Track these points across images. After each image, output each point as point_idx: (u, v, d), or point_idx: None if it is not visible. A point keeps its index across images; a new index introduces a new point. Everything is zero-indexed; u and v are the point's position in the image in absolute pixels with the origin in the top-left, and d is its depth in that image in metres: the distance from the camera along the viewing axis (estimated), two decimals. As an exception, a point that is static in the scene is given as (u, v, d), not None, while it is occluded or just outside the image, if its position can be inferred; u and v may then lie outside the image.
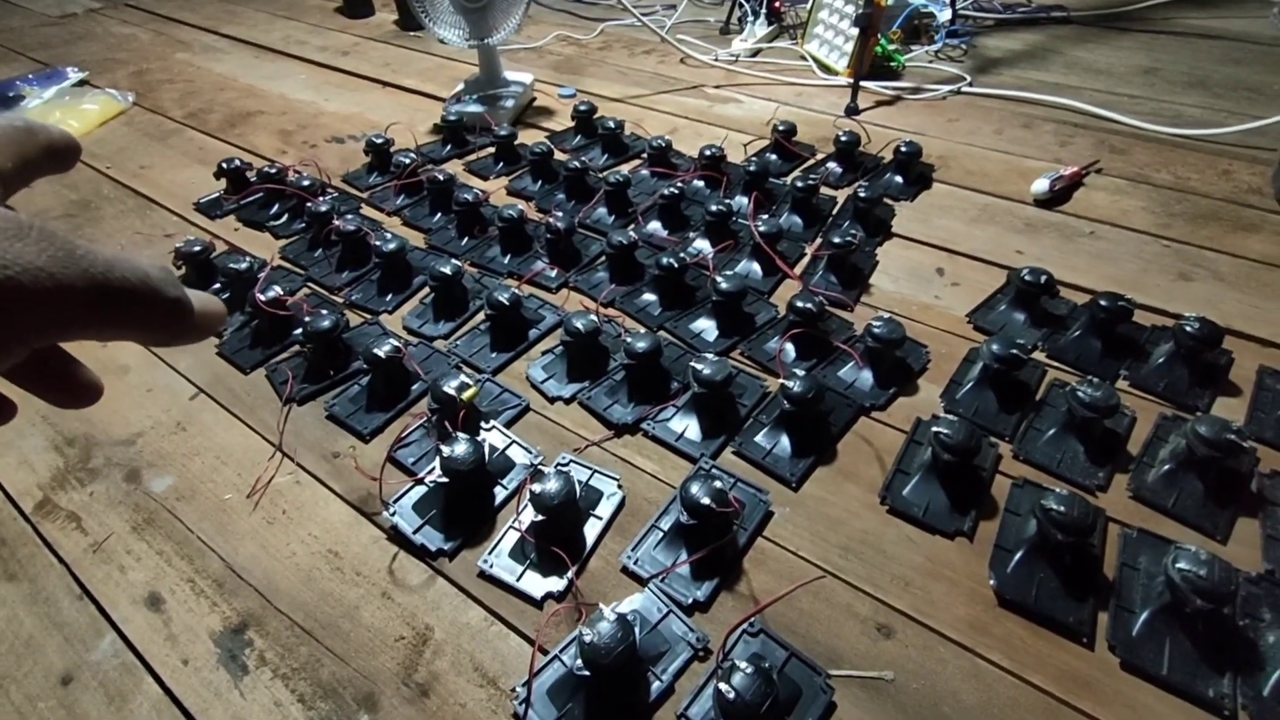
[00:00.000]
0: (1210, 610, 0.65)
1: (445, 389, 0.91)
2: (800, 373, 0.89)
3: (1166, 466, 0.84)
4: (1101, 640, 0.71)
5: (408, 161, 1.48)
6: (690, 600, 0.76)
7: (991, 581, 0.76)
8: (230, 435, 0.99)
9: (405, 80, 2.08)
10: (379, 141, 1.53)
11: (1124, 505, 0.84)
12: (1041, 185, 1.36)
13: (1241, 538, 0.80)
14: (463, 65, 2.13)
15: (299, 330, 1.08)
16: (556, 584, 0.78)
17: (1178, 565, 0.67)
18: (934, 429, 0.82)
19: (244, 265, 1.16)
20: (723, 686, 0.61)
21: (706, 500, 0.75)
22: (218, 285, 1.22)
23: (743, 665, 0.62)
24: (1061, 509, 0.72)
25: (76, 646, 0.75)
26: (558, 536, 0.81)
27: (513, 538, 0.83)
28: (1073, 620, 0.72)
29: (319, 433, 0.98)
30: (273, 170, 1.45)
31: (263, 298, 1.08)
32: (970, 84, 1.85)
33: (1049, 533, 0.73)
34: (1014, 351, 0.92)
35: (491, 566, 0.80)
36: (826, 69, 1.95)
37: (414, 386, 1.02)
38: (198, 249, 1.21)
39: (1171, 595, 0.68)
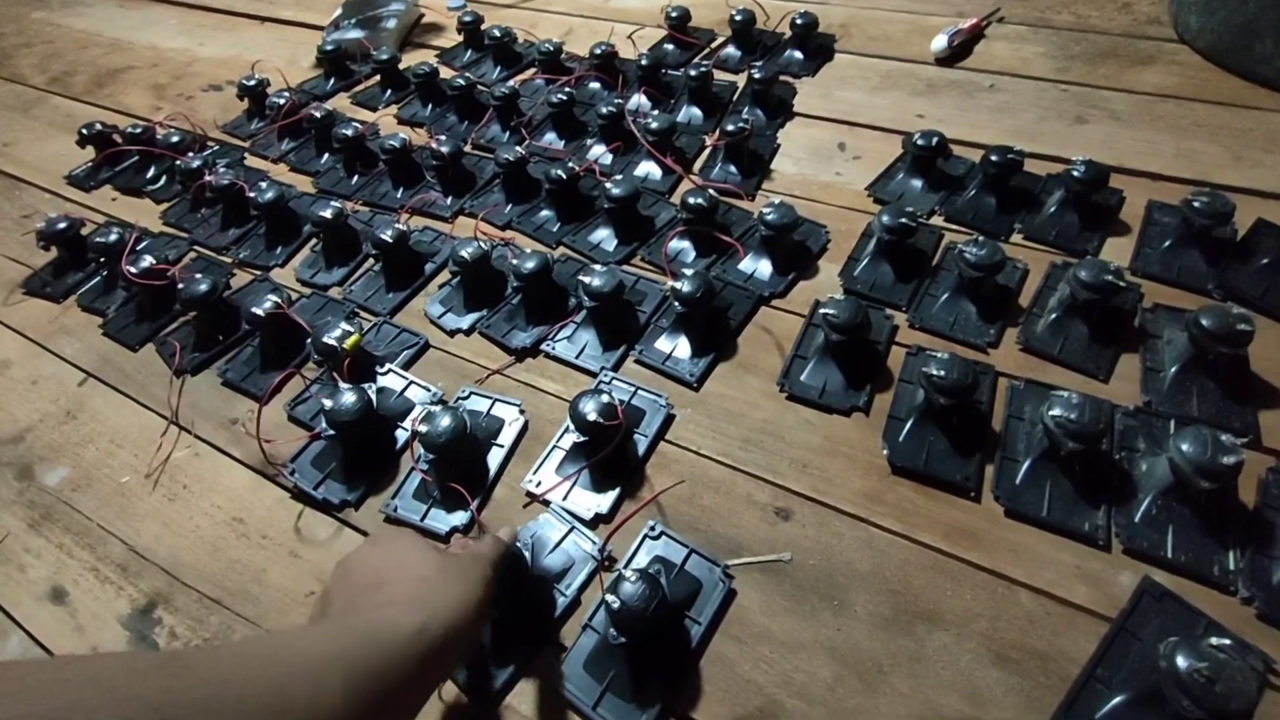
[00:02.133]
0: (1083, 450, 0.72)
1: (326, 340, 0.94)
2: (689, 272, 0.94)
3: (1054, 315, 0.90)
4: (989, 493, 0.78)
5: (283, 102, 1.47)
6: (593, 515, 0.81)
7: (885, 451, 0.81)
8: (124, 417, 1.02)
9: (283, 12, 2.04)
10: (251, 84, 1.52)
11: (1015, 358, 0.90)
12: (940, 42, 1.38)
13: (1123, 374, 0.86)
14: None
15: (179, 297, 1.09)
16: (462, 518, 0.83)
17: (1051, 412, 0.73)
18: (821, 310, 0.87)
19: (114, 237, 1.17)
20: (609, 598, 0.66)
21: (593, 416, 0.80)
22: (94, 263, 1.23)
23: (628, 575, 0.66)
24: (941, 373, 0.77)
25: (-19, 650, 0.79)
26: (457, 471, 0.85)
27: (417, 478, 0.88)
28: (960, 477, 0.78)
29: (216, 401, 1.01)
30: (137, 130, 1.44)
31: (133, 270, 1.09)
32: (872, -60, 1.84)
33: (933, 397, 0.78)
34: (902, 220, 0.96)
35: (396, 510, 0.85)
36: (724, -57, 1.94)
37: (308, 340, 1.03)
38: (63, 226, 1.21)
39: (1048, 441, 0.75)
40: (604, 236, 1.14)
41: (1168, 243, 0.96)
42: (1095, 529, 0.72)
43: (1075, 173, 0.99)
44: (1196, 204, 0.92)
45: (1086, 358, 0.87)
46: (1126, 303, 0.91)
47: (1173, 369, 0.82)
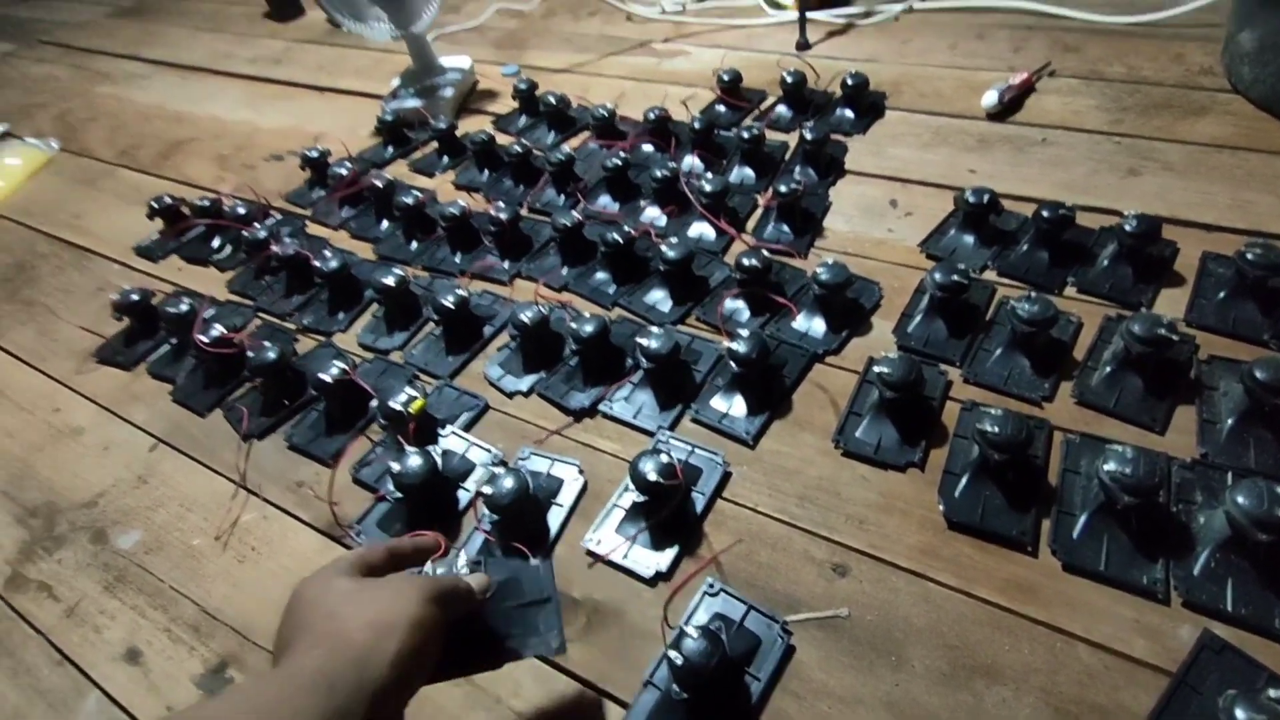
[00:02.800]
0: (1139, 504, 0.74)
1: (392, 405, 0.99)
2: (744, 332, 0.98)
3: (1108, 368, 0.93)
4: (1046, 547, 0.80)
5: (344, 172, 1.55)
6: (654, 573, 0.85)
7: (940, 506, 0.85)
8: (193, 481, 1.08)
9: (342, 82, 2.14)
10: (313, 155, 1.61)
11: (1069, 412, 0.93)
12: (991, 98, 1.43)
13: (1180, 426, 0.89)
14: (401, 56, 2.09)
15: (248, 365, 1.14)
16: (525, 576, 0.88)
17: (1106, 466, 0.76)
18: (875, 368, 0.91)
19: (184, 308, 1.24)
20: (671, 654, 0.69)
21: (653, 476, 0.84)
22: (163, 331, 1.30)
23: (690, 631, 0.70)
24: (995, 429, 0.81)
25: (60, 710, 0.84)
26: (520, 532, 0.90)
27: (480, 538, 0.92)
28: (1016, 532, 0.81)
29: (282, 464, 1.07)
30: (206, 204, 1.53)
31: (204, 339, 1.16)
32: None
33: (987, 453, 0.82)
34: (955, 278, 1.00)
35: (457, 570, 0.90)
36: (775, 4, 2.01)
37: (372, 403, 1.10)
38: (136, 299, 1.29)
39: (1104, 495, 0.77)
40: (659, 298, 1.19)
41: (1222, 294, 0.99)
42: (1154, 582, 0.75)
43: (1127, 226, 1.03)
44: (1250, 255, 0.95)
45: (1142, 410, 0.90)
46: (1181, 355, 0.93)
47: (1229, 421, 0.85)
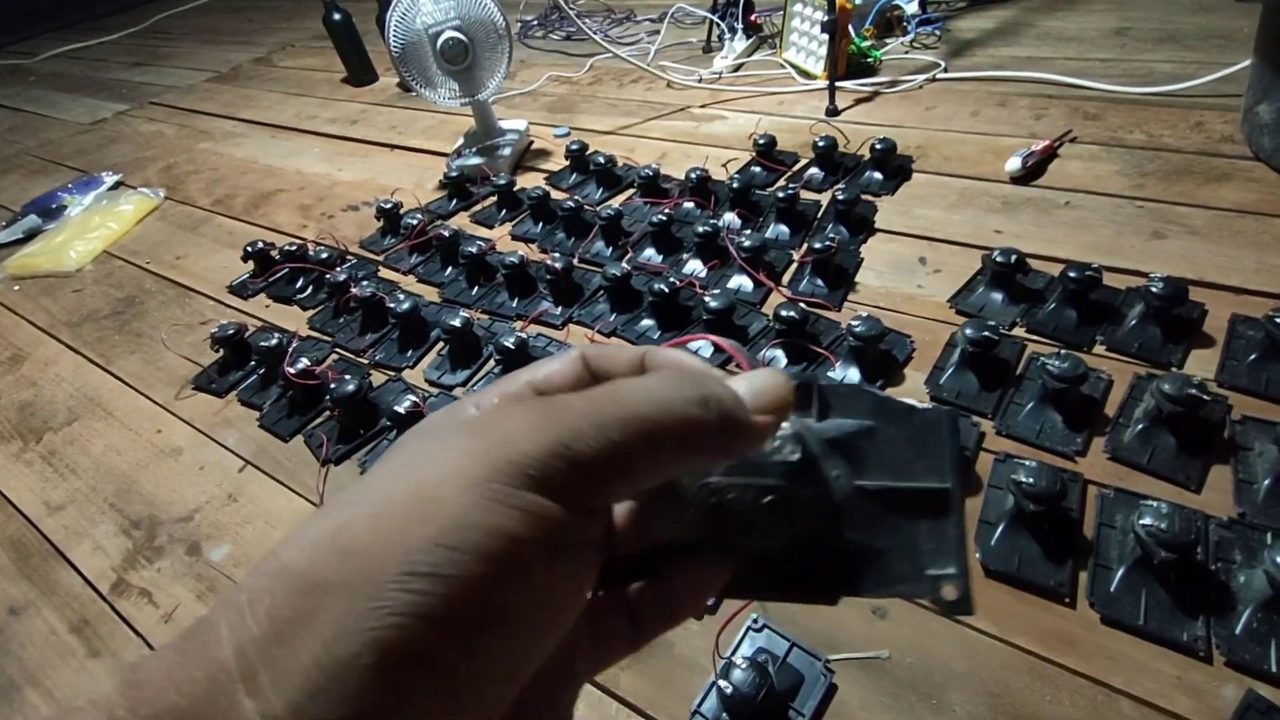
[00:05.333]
0: (1176, 560, 0.68)
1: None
2: (785, 379, 0.93)
3: (1140, 425, 0.87)
4: (1083, 599, 0.74)
5: (415, 222, 1.54)
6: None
7: (977, 555, 0.79)
8: (277, 501, 1.06)
9: (411, 140, 2.13)
10: (388, 206, 1.60)
11: (1102, 467, 0.86)
12: (1014, 163, 1.38)
13: (1215, 485, 0.82)
14: (463, 118, 2.13)
15: (329, 395, 1.14)
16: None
17: (1141, 521, 0.71)
18: (913, 419, 0.86)
19: (274, 341, 1.23)
20: (722, 683, 0.65)
21: None
22: (253, 363, 1.30)
23: (739, 662, 0.66)
24: (1030, 480, 0.75)
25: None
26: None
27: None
28: (1053, 583, 0.75)
29: (356, 488, 1.05)
30: (293, 249, 1.53)
31: (292, 370, 1.16)
32: (944, 70, 1.86)
33: (1023, 504, 0.76)
34: (986, 333, 0.95)
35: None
36: (806, 74, 1.98)
37: None
38: (231, 332, 1.28)
39: (1141, 550, 0.71)
40: (701, 345, 1.15)
41: (1253, 356, 0.92)
42: (1194, 639, 0.68)
43: (1154, 288, 0.97)
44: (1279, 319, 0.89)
45: (1176, 468, 0.83)
46: (1214, 415, 0.87)
47: (1266, 481, 0.78)
